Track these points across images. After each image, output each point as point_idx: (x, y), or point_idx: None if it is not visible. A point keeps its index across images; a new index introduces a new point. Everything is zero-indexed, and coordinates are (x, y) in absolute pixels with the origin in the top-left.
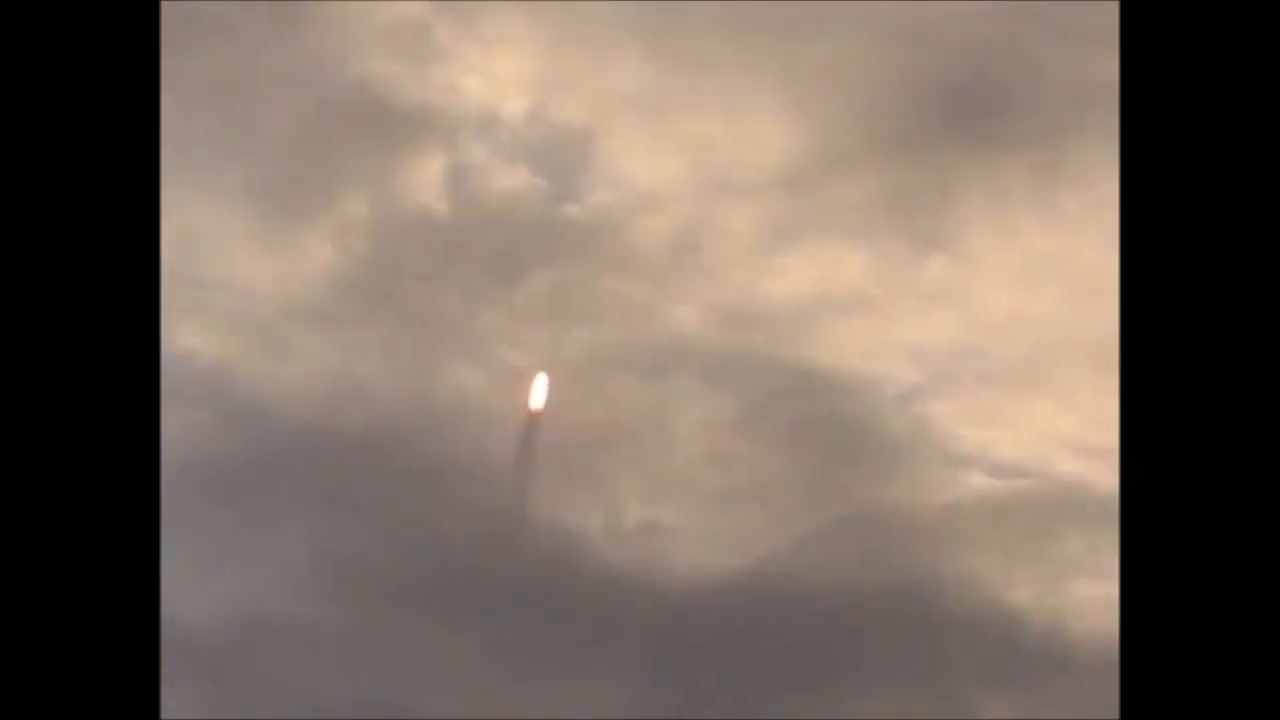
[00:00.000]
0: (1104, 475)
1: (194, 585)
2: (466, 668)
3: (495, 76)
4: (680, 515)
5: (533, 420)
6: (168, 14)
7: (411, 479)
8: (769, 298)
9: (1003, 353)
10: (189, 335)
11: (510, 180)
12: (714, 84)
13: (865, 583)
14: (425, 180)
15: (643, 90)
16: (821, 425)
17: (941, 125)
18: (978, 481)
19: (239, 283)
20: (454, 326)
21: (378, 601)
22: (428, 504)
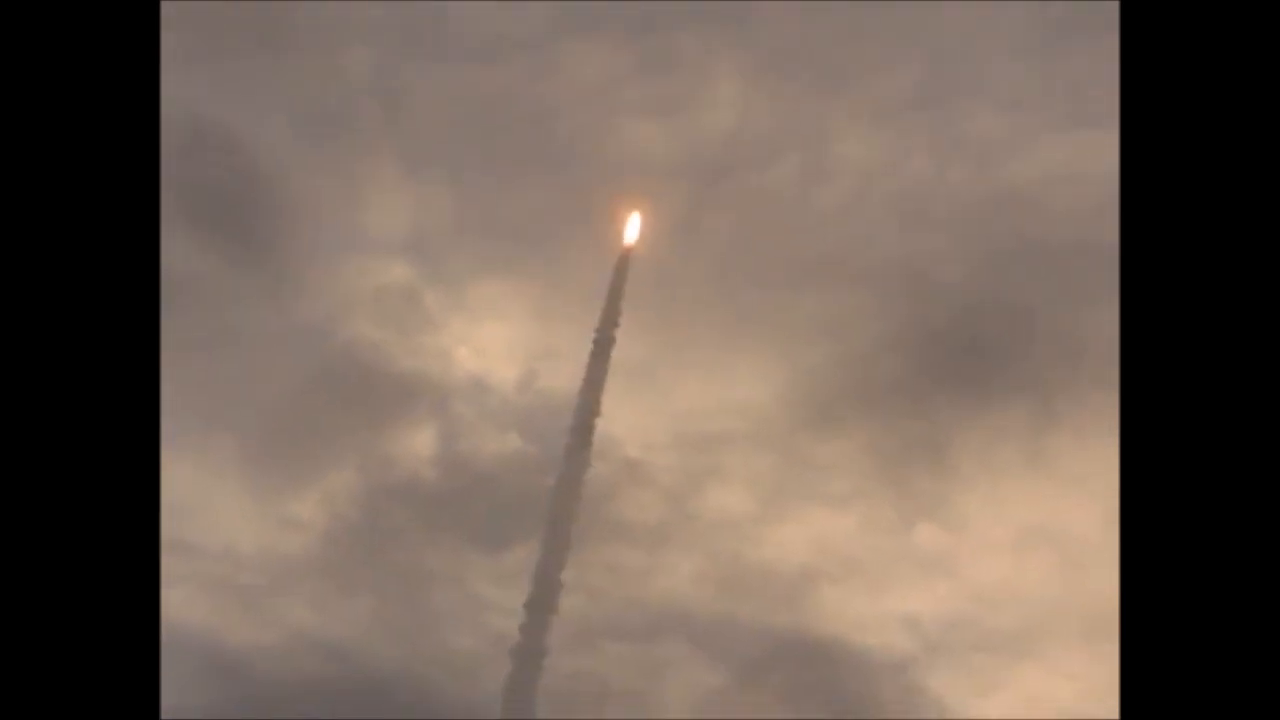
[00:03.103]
0: None
1: None
2: None
3: (484, 345)
4: None
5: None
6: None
7: None
8: (761, 565)
9: (995, 622)
10: (179, 600)
11: (500, 447)
12: (703, 350)
13: None
14: (415, 447)
15: (632, 358)
16: (814, 693)
17: (933, 376)
18: None
19: (227, 547)
20: (441, 591)
21: None
22: None
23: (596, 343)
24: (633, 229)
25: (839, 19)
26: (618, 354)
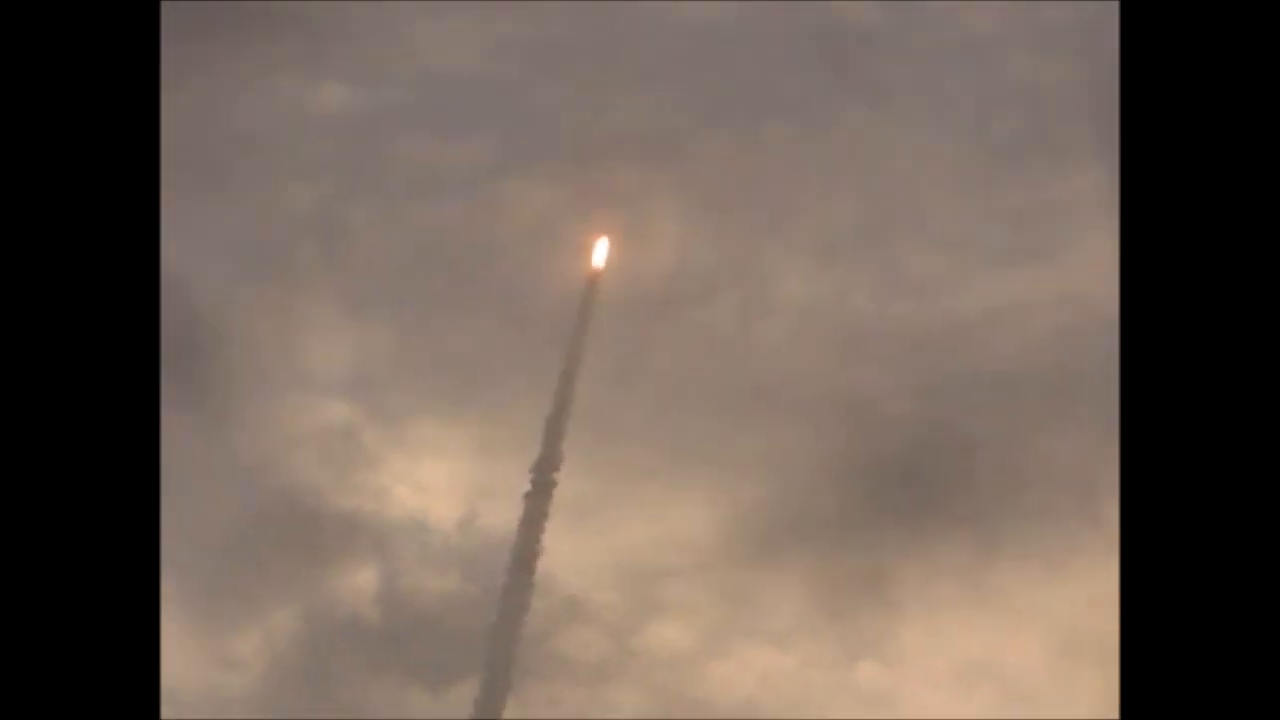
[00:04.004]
0: None
1: None
2: None
3: (425, 484)
4: None
5: None
6: None
7: None
8: (703, 702)
9: None
10: None
11: (442, 585)
12: (644, 484)
13: None
14: (356, 585)
15: (573, 494)
16: None
17: (875, 508)
18: None
19: (168, 688)
20: None
21: None
22: None
23: (535, 481)
24: (600, 253)
25: (778, 154)
26: (558, 492)
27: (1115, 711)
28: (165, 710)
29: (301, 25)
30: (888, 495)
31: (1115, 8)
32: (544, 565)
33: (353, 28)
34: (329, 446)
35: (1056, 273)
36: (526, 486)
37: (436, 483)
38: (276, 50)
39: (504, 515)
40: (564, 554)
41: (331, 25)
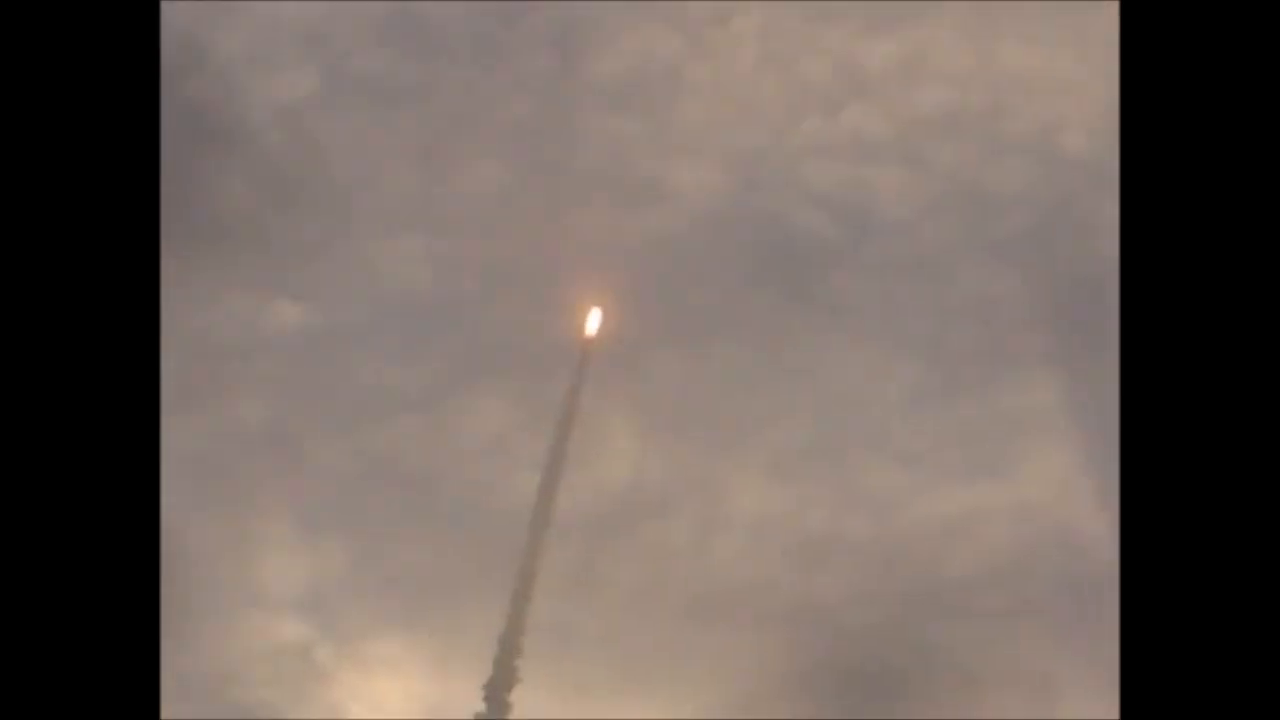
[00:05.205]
0: None
1: None
2: None
3: (379, 701)
4: None
5: None
6: None
7: None
8: None
9: None
10: None
11: None
12: (600, 700)
13: None
14: None
15: (527, 713)
16: None
17: (835, 715)
18: None
19: None
20: None
21: None
22: None
23: (488, 700)
24: (594, 321)
25: (732, 370)
26: (514, 710)
27: None
28: None
29: (256, 243)
30: (848, 704)
31: (1064, 220)
32: None
33: (307, 246)
34: (283, 664)
35: (1012, 484)
36: (480, 706)
37: (391, 701)
38: (231, 268)
39: None
40: None
41: (286, 243)
